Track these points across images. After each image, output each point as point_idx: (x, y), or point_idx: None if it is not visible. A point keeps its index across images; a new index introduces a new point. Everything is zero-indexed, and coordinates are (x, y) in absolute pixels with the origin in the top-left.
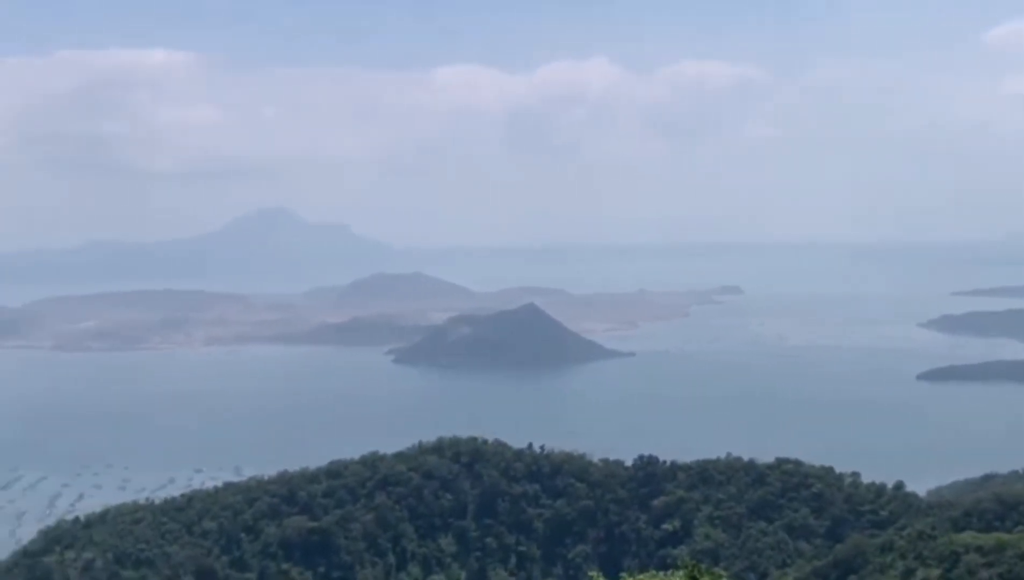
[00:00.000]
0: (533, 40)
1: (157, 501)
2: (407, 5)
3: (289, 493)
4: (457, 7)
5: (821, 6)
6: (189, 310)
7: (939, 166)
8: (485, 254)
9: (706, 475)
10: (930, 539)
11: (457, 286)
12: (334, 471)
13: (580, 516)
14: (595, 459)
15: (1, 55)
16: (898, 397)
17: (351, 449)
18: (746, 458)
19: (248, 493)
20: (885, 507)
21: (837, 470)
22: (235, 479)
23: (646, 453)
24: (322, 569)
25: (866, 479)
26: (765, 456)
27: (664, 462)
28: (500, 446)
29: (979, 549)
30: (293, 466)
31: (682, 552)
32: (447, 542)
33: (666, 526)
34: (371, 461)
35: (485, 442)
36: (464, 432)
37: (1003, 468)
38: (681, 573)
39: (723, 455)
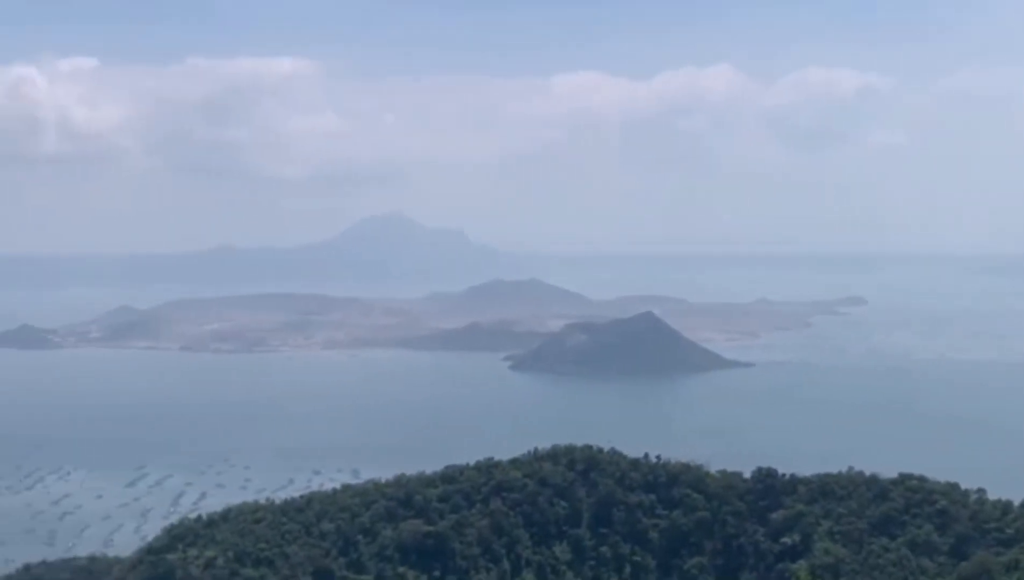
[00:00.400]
0: (654, 47)
1: (277, 501)
2: (527, 13)
3: (406, 497)
4: (577, 15)
5: (951, 11)
6: (310, 313)
7: None
8: (602, 261)
9: (827, 489)
10: None
11: (574, 293)
12: (450, 476)
13: (697, 527)
14: (713, 470)
15: (135, 63)
16: None
17: (467, 454)
18: (868, 472)
19: (366, 496)
20: (1012, 525)
21: (962, 486)
22: (353, 481)
23: (765, 465)
24: (437, 573)
25: (992, 496)
26: (888, 471)
27: (783, 475)
28: (616, 455)
29: None
30: (410, 470)
31: (801, 567)
32: (562, 550)
33: (785, 540)
34: (486, 467)
35: (601, 450)
36: (579, 440)
37: None
38: None
39: (844, 469)
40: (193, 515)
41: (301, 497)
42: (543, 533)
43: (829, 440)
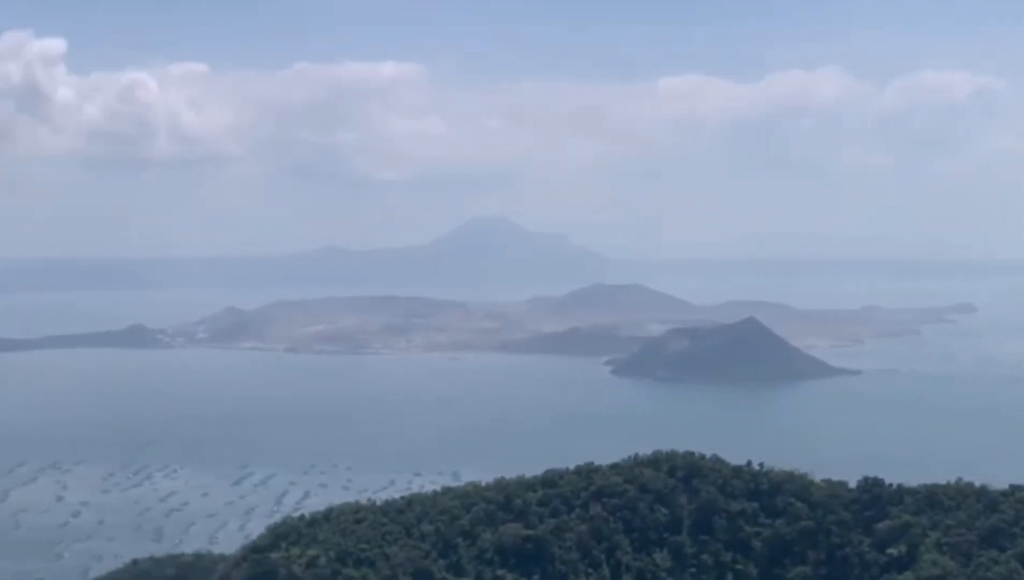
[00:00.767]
0: (761, 49)
1: (378, 502)
2: (633, 17)
3: (505, 500)
4: (683, 18)
5: None
6: (412, 316)
7: None
8: (706, 266)
9: (934, 500)
10: None
11: (676, 298)
12: (549, 480)
13: (800, 537)
14: (817, 479)
15: (244, 68)
16: None
17: (567, 458)
18: (977, 483)
19: (466, 498)
20: None
21: None
22: (453, 484)
23: (871, 474)
24: (536, 577)
25: None
26: (998, 482)
27: (890, 485)
28: (718, 462)
29: None
30: (509, 473)
31: (907, 578)
32: (662, 557)
33: (891, 551)
34: (586, 471)
35: (702, 457)
36: (680, 446)
37: None
38: None
39: (952, 479)
40: (296, 514)
41: (402, 498)
42: (643, 539)
43: (937, 450)
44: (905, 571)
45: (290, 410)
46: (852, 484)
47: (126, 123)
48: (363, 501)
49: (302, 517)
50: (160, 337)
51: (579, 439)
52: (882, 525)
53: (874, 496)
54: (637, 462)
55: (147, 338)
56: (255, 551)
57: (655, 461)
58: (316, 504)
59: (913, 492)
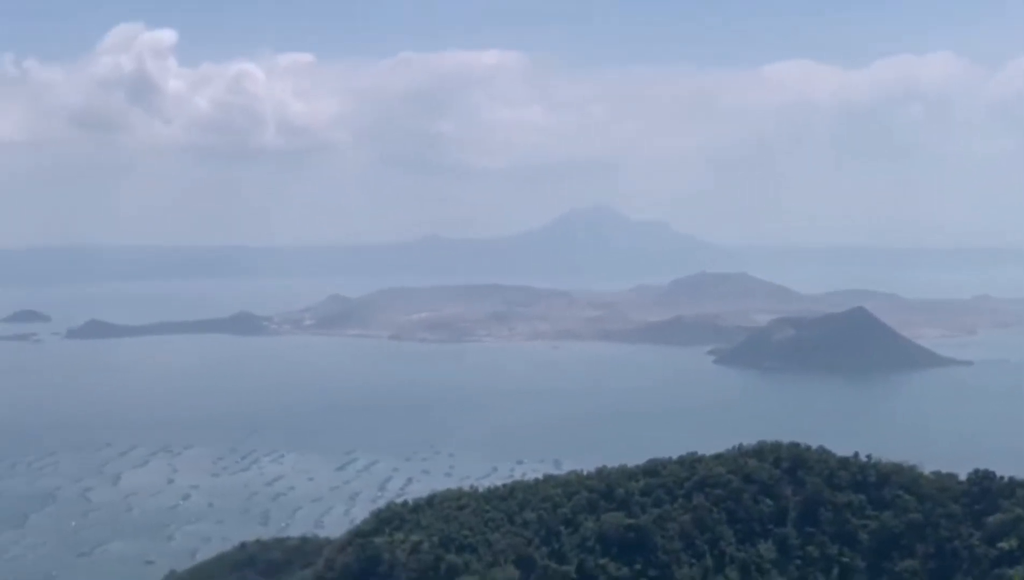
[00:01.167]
0: (870, 34)
1: (480, 489)
2: (738, 1)
3: (607, 489)
4: (790, 2)
5: None
6: (515, 305)
7: None
8: (812, 255)
9: None
10: None
11: (782, 287)
12: (652, 469)
13: (908, 530)
14: (926, 471)
15: (349, 57)
16: None
17: (669, 448)
18: None
19: (567, 487)
20: None
21: None
22: (555, 472)
23: (982, 467)
24: (639, 566)
25: None
26: None
27: (1001, 477)
28: (824, 453)
29: None
30: (611, 462)
31: (1018, 572)
32: (767, 548)
33: (1002, 545)
34: (689, 462)
35: (808, 448)
36: (785, 437)
37: None
38: None
39: None
40: (399, 500)
41: (504, 486)
42: (747, 530)
43: None
44: (1016, 565)
45: (393, 397)
46: (962, 477)
47: (234, 114)
48: (466, 488)
49: (405, 503)
50: (267, 324)
51: (682, 429)
52: (993, 519)
53: (985, 489)
54: (741, 452)
55: (254, 325)
56: (359, 536)
57: (760, 452)
58: (419, 490)
59: None
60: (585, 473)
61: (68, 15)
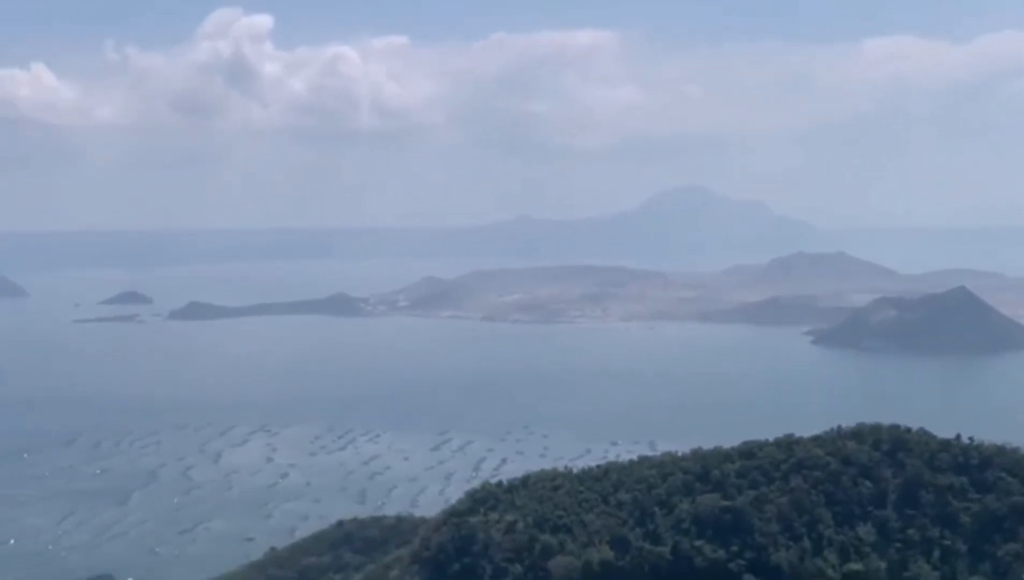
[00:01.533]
0: (974, 8)
1: (575, 470)
2: None
3: (703, 470)
4: None
5: None
6: (608, 286)
7: None
8: (913, 234)
9: None
10: None
11: (881, 267)
12: (748, 451)
13: (1011, 513)
14: None
15: (443, 39)
16: None
17: (766, 430)
18: None
19: (662, 468)
20: None
21: None
22: (650, 453)
23: None
24: (735, 548)
25: None
26: None
27: None
28: (924, 435)
29: None
30: (707, 443)
31: None
32: (866, 531)
33: None
34: (786, 443)
35: (908, 430)
36: (885, 418)
37: None
38: None
39: None
40: (494, 480)
41: (598, 467)
42: (846, 513)
43: None
44: None
45: (487, 378)
46: None
47: (330, 96)
48: (560, 468)
49: (500, 483)
50: (363, 305)
51: (778, 410)
52: None
53: None
54: (840, 434)
55: (350, 306)
56: (454, 515)
57: (859, 433)
58: (513, 471)
59: None
60: (680, 454)
61: (168, 2)
